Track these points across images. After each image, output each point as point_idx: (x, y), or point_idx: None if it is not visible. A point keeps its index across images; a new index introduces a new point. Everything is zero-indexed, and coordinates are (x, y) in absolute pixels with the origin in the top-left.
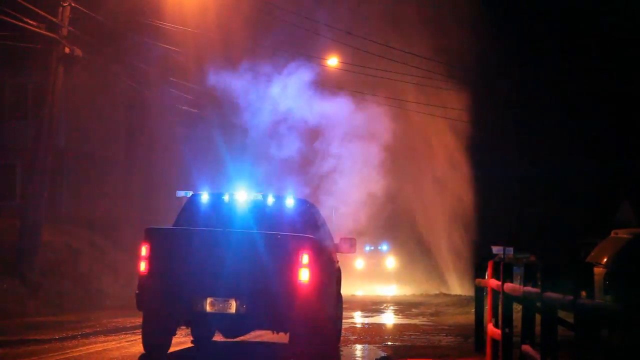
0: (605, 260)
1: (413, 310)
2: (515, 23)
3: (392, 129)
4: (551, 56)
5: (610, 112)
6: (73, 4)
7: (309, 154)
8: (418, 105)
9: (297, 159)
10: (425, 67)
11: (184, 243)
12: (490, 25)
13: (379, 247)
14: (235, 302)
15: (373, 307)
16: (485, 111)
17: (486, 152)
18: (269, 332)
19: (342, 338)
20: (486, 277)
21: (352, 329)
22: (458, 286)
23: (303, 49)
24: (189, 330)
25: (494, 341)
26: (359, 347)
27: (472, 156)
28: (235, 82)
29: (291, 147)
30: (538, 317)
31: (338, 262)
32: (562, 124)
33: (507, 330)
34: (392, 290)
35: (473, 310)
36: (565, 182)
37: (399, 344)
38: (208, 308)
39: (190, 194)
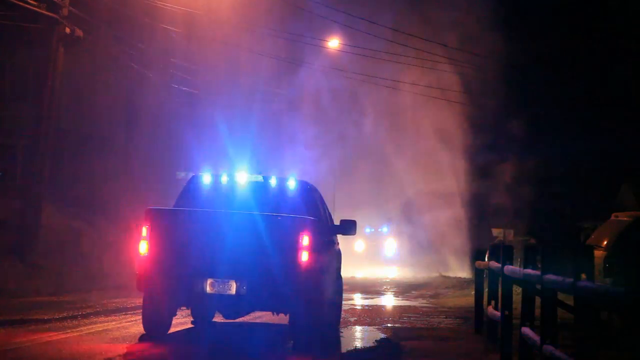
0: (605, 243)
1: (413, 292)
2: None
3: (392, 110)
4: (551, 36)
5: (610, 94)
6: None
7: (313, 134)
8: (423, 88)
9: (300, 139)
10: (426, 49)
11: (184, 224)
12: (494, 4)
13: (380, 230)
14: (236, 283)
15: (373, 289)
16: (486, 93)
17: (488, 134)
18: (269, 313)
19: (342, 320)
20: (486, 259)
21: (352, 310)
22: (458, 268)
23: (304, 30)
24: (189, 311)
25: (494, 323)
26: (358, 328)
27: (474, 138)
28: (238, 64)
29: (294, 129)
30: (538, 299)
31: (338, 243)
32: (562, 105)
33: (506, 312)
34: (392, 272)
35: (473, 292)
36: (565, 164)
37: (399, 325)
38: (208, 289)
39: (190, 174)
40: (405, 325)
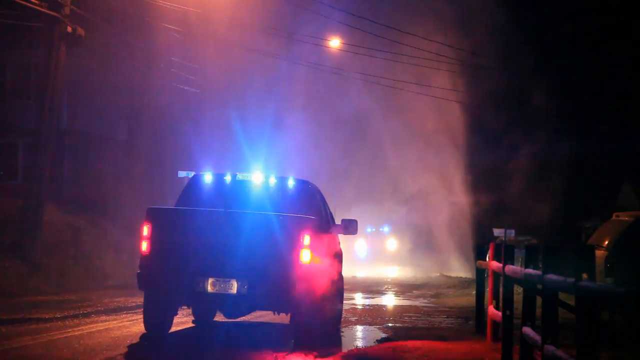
0: (606, 243)
1: (414, 291)
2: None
3: (392, 112)
4: (550, 36)
5: (611, 93)
6: None
7: (310, 136)
8: (421, 88)
9: (300, 141)
10: (425, 48)
11: (186, 223)
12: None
13: (381, 229)
14: (237, 283)
15: (374, 288)
16: (485, 92)
17: (489, 133)
18: (270, 312)
19: (343, 319)
20: (487, 259)
21: (353, 310)
22: (459, 268)
23: (306, 30)
24: (190, 310)
25: (495, 323)
26: (359, 328)
27: (473, 137)
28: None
29: (295, 129)
30: (539, 299)
31: (339, 243)
32: (563, 105)
33: (507, 312)
34: (393, 271)
35: (474, 292)
36: (566, 164)
37: (400, 325)
38: (209, 288)
39: (192, 174)
40: (406, 324)
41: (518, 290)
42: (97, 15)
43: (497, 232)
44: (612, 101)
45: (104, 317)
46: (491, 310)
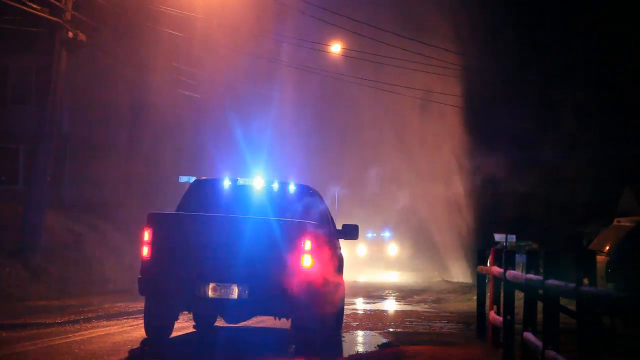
0: (607, 248)
1: (415, 297)
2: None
3: (392, 117)
4: (545, 35)
5: (612, 98)
6: None
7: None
8: (419, 92)
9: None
10: (426, 53)
11: (187, 228)
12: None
13: (381, 234)
14: (238, 288)
15: (375, 293)
16: (484, 96)
17: (488, 138)
18: (271, 317)
19: (344, 324)
20: (488, 264)
21: (354, 315)
22: (460, 273)
23: (306, 35)
24: (191, 316)
25: (496, 328)
26: (360, 333)
27: (473, 142)
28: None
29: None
30: (540, 304)
31: (340, 248)
32: (563, 109)
33: (508, 317)
34: (393, 277)
35: (475, 297)
36: (567, 168)
37: (401, 330)
38: (210, 293)
39: (193, 179)
40: (407, 330)
41: (519, 296)
42: (98, 20)
43: (498, 237)
44: (614, 105)
45: (104, 322)
46: (492, 315)
